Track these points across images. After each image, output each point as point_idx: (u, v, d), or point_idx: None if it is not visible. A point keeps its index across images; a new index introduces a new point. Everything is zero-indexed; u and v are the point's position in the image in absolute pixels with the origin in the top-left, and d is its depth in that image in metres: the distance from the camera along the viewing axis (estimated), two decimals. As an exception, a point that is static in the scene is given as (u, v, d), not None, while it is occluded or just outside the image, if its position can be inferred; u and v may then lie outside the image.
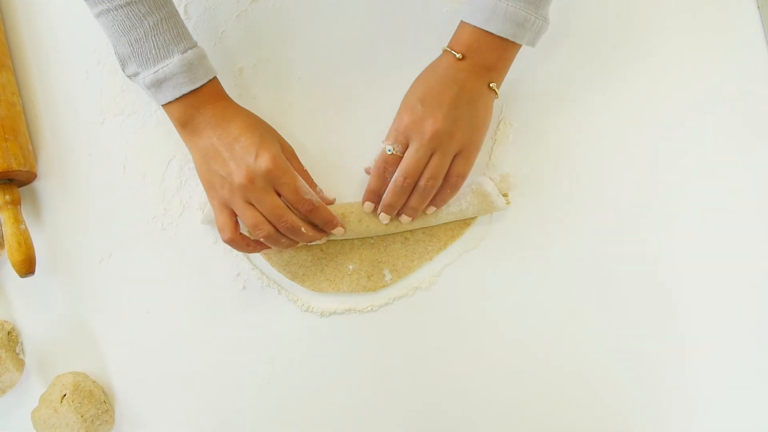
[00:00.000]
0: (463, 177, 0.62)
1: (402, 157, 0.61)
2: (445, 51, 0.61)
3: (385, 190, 0.63)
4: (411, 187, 0.62)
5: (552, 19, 0.61)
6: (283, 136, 0.67)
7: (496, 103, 0.64)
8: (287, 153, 0.66)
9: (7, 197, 0.68)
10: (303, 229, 0.61)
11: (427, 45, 0.65)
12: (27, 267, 0.67)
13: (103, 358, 0.70)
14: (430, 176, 0.61)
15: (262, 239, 0.61)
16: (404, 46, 0.70)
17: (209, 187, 0.62)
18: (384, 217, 0.64)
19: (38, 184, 0.72)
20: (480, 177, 0.68)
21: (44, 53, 0.73)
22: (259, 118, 0.65)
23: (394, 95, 0.63)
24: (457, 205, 0.66)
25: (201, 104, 0.61)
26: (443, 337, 0.68)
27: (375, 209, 0.65)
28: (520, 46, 0.61)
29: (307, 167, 0.68)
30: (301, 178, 0.62)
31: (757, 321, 0.67)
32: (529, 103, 0.70)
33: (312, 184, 0.67)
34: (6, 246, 0.67)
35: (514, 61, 0.63)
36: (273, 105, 0.70)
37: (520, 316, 0.68)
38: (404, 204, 0.63)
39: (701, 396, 0.67)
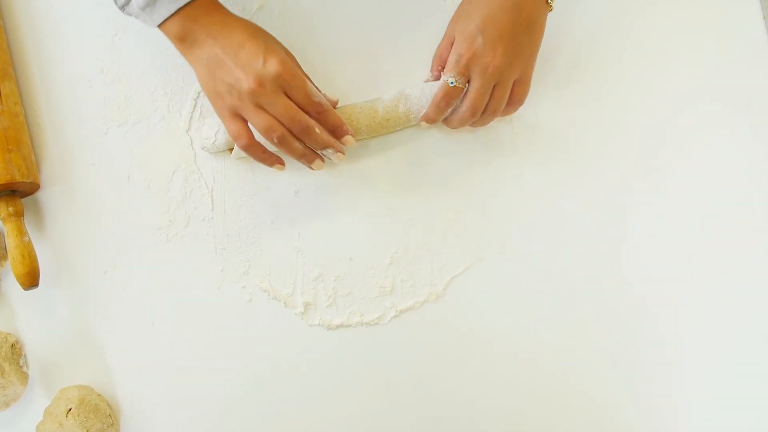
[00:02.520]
0: (522, 102, 0.64)
1: (462, 88, 0.62)
2: None
3: (441, 118, 0.64)
4: (475, 119, 0.63)
5: (555, 23, 0.61)
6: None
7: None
8: (292, 59, 0.65)
9: (11, 209, 0.67)
10: (317, 129, 0.61)
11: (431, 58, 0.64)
12: (31, 280, 0.66)
13: (108, 370, 0.69)
14: (494, 109, 0.62)
15: (275, 142, 0.60)
16: (410, 56, 0.69)
17: (216, 97, 0.61)
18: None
19: (41, 195, 0.71)
20: None
21: (47, 62, 0.72)
22: (258, 27, 0.63)
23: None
24: None
25: (199, 16, 0.60)
26: (451, 349, 0.68)
27: None
28: None
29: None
30: (309, 81, 0.61)
31: (748, 322, 0.67)
32: (532, 111, 0.69)
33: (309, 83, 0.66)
34: (9, 258, 0.66)
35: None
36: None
37: (528, 329, 0.68)
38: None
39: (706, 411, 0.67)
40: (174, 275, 0.69)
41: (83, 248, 0.70)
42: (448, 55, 0.63)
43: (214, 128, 0.68)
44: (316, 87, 0.64)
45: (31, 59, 0.72)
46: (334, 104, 0.67)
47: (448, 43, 0.63)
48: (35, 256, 0.67)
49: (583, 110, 0.69)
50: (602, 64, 0.70)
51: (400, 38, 0.70)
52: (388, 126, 0.66)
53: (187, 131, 0.70)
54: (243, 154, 0.66)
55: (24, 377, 0.69)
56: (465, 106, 0.62)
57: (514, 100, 0.63)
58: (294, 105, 0.60)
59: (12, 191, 0.68)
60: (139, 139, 0.71)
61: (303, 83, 0.60)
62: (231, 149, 0.68)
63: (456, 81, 0.61)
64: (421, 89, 0.65)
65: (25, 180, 0.67)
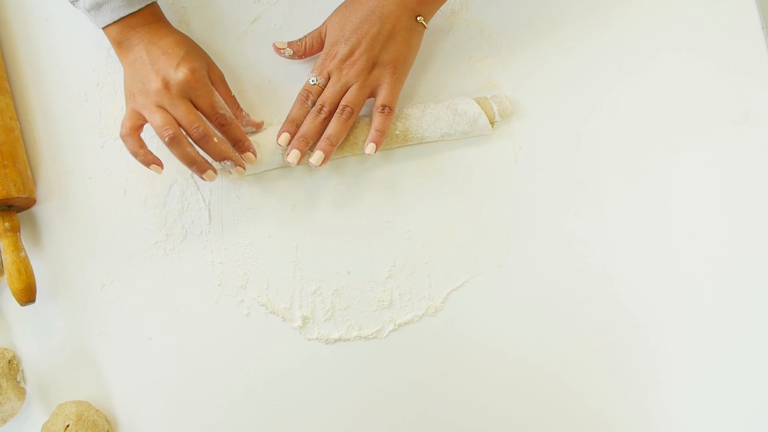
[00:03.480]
0: (388, 106, 0.65)
1: (321, 88, 0.65)
2: None
3: (302, 120, 0.65)
4: (327, 117, 0.65)
5: (553, 32, 0.61)
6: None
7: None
8: (215, 75, 0.67)
9: (7, 224, 0.67)
10: (215, 138, 0.62)
11: (429, 71, 0.64)
12: (27, 296, 0.66)
13: (106, 385, 0.69)
14: (346, 103, 0.64)
15: (167, 141, 0.61)
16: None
17: (129, 96, 0.64)
18: (294, 155, 0.65)
19: (38, 209, 0.71)
20: (464, 98, 0.68)
21: (42, 75, 0.72)
22: (192, 40, 0.67)
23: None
24: (438, 129, 0.67)
25: (137, 24, 0.64)
26: (450, 363, 0.68)
27: (290, 142, 0.65)
28: None
29: (313, 182, 0.67)
30: (218, 95, 0.64)
31: (739, 329, 0.67)
32: (530, 125, 0.69)
33: (237, 109, 0.68)
34: (6, 274, 0.66)
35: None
36: (274, 127, 0.69)
37: (526, 342, 0.67)
38: (322, 135, 0.65)
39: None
40: (171, 289, 0.69)
41: (80, 263, 0.70)
42: (312, 42, 0.67)
43: None
44: (237, 107, 0.68)
45: (27, 73, 0.72)
46: (258, 126, 0.69)
47: (317, 36, 0.67)
48: (32, 272, 0.67)
49: (581, 123, 0.69)
50: (600, 75, 0.70)
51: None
52: (386, 143, 0.67)
53: (183, 145, 0.70)
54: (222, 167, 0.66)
55: (21, 393, 0.68)
56: (318, 101, 0.65)
57: (380, 104, 0.64)
58: (195, 111, 0.62)
59: (8, 206, 0.68)
60: (135, 153, 0.70)
61: (210, 94, 0.63)
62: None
63: (316, 80, 0.65)
64: (421, 110, 0.66)
65: (21, 195, 0.67)
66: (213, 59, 0.69)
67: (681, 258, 0.68)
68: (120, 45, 0.64)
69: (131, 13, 0.63)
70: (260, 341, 0.68)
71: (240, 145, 0.65)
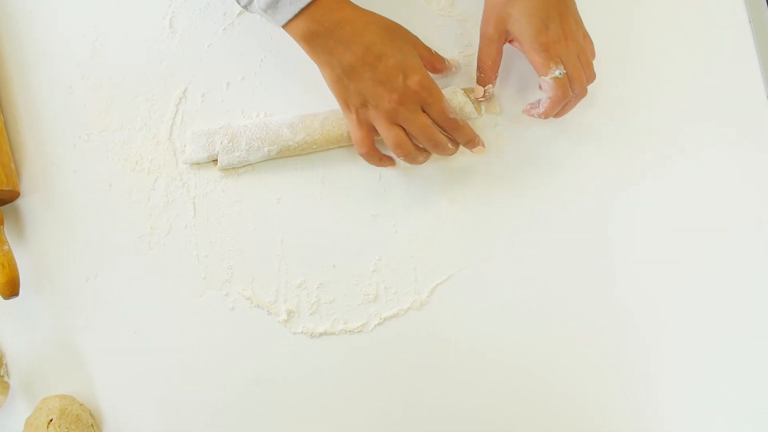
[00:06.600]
0: (594, 55, 0.65)
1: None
2: None
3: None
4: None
5: None
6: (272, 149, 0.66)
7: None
8: (424, 55, 0.64)
9: (-10, 217, 0.66)
10: (450, 145, 0.63)
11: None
12: (11, 289, 0.66)
13: (90, 379, 0.69)
14: (589, 76, 0.64)
15: (401, 157, 0.62)
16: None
17: (347, 104, 0.62)
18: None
19: (21, 203, 0.70)
20: (449, 88, 0.67)
21: (26, 68, 0.71)
22: (388, 21, 0.61)
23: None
24: None
25: (323, 16, 0.58)
26: (435, 356, 0.68)
27: None
28: None
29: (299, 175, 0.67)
30: (446, 100, 0.62)
31: (733, 329, 0.67)
32: (518, 117, 0.69)
33: (443, 64, 0.66)
34: (-11, 267, 0.66)
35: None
36: (260, 119, 0.69)
37: (512, 336, 0.67)
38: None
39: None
40: (156, 283, 0.69)
41: (64, 256, 0.69)
42: (498, 58, 0.65)
43: (196, 142, 0.67)
44: (440, 59, 0.66)
45: (10, 65, 0.71)
46: (458, 66, 0.69)
47: (496, 48, 0.64)
48: (15, 265, 0.66)
49: (570, 118, 0.68)
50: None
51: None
52: None
53: (168, 138, 0.70)
54: (227, 165, 0.66)
55: (5, 387, 0.68)
56: (577, 90, 0.63)
57: (588, 62, 0.64)
58: (430, 124, 0.61)
59: (-9, 199, 0.67)
60: (120, 146, 0.70)
61: (440, 100, 0.61)
62: (214, 161, 0.68)
63: (562, 72, 0.62)
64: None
65: (4, 188, 0.66)
66: (200, 52, 0.68)
67: (670, 253, 0.68)
68: (310, 43, 0.59)
69: (312, 2, 0.58)
70: (245, 335, 0.68)
71: (471, 143, 0.64)
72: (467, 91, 0.67)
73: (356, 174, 0.69)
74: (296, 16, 0.58)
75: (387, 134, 0.61)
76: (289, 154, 0.67)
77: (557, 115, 0.65)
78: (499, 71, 0.66)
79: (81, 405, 0.68)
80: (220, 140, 0.67)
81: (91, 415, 0.68)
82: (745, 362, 0.67)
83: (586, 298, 0.67)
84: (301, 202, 0.69)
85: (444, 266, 0.68)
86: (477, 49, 0.66)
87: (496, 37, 0.64)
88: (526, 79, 0.69)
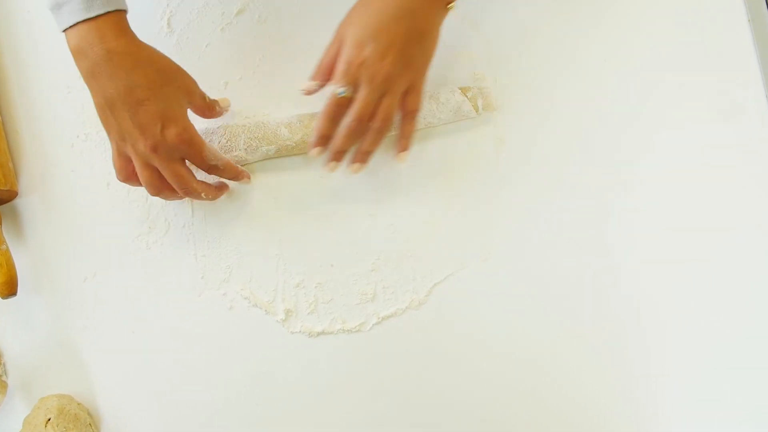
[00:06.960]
0: (417, 111, 0.62)
1: (351, 98, 0.58)
2: None
3: (334, 133, 0.61)
4: (364, 130, 0.60)
5: (535, 28, 0.62)
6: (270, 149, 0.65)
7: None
8: (196, 102, 0.63)
9: (-12, 217, 0.67)
10: (203, 194, 0.63)
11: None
12: (9, 289, 0.66)
13: (89, 379, 0.69)
14: (384, 118, 0.59)
15: (151, 194, 0.62)
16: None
17: (107, 132, 0.60)
18: (332, 167, 0.63)
19: (19, 202, 0.70)
20: (446, 87, 0.67)
21: (24, 68, 0.71)
22: (165, 63, 0.60)
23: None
24: (420, 118, 0.65)
25: (95, 40, 0.56)
26: (433, 356, 0.67)
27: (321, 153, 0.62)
28: None
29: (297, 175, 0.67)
30: (207, 145, 0.61)
31: (734, 326, 0.67)
32: (515, 117, 0.69)
33: (213, 112, 0.65)
34: (-13, 267, 0.66)
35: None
36: (258, 119, 0.69)
37: (511, 335, 0.67)
38: (357, 148, 0.62)
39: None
40: (154, 283, 0.69)
41: (62, 256, 0.70)
42: (334, 62, 0.59)
43: None
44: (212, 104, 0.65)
45: (8, 65, 0.71)
46: (227, 106, 0.68)
47: (336, 49, 0.60)
48: (13, 265, 0.67)
49: (567, 115, 0.68)
50: (584, 68, 0.69)
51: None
52: None
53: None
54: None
55: (3, 386, 0.68)
56: (350, 115, 0.59)
57: (408, 110, 0.61)
58: (185, 172, 0.60)
59: (-11, 199, 0.67)
60: (118, 146, 0.70)
61: (200, 150, 0.60)
62: None
63: (345, 90, 0.58)
64: None
65: (2, 188, 0.67)
66: (198, 52, 0.68)
67: (670, 253, 0.67)
68: (79, 58, 0.58)
69: (90, 20, 0.56)
70: (243, 334, 0.68)
71: (236, 179, 0.65)
72: (464, 90, 0.67)
73: (354, 173, 0.68)
74: (72, 27, 0.57)
75: (140, 173, 0.60)
76: (287, 153, 0.67)
77: (336, 139, 0.61)
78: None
79: (79, 404, 0.68)
80: (218, 140, 0.67)
81: (89, 414, 0.68)
82: (745, 362, 0.67)
83: (585, 298, 0.67)
84: (298, 202, 0.69)
85: (442, 266, 0.68)
86: (472, 48, 0.65)
87: (337, 38, 0.60)
88: (526, 78, 0.69)
